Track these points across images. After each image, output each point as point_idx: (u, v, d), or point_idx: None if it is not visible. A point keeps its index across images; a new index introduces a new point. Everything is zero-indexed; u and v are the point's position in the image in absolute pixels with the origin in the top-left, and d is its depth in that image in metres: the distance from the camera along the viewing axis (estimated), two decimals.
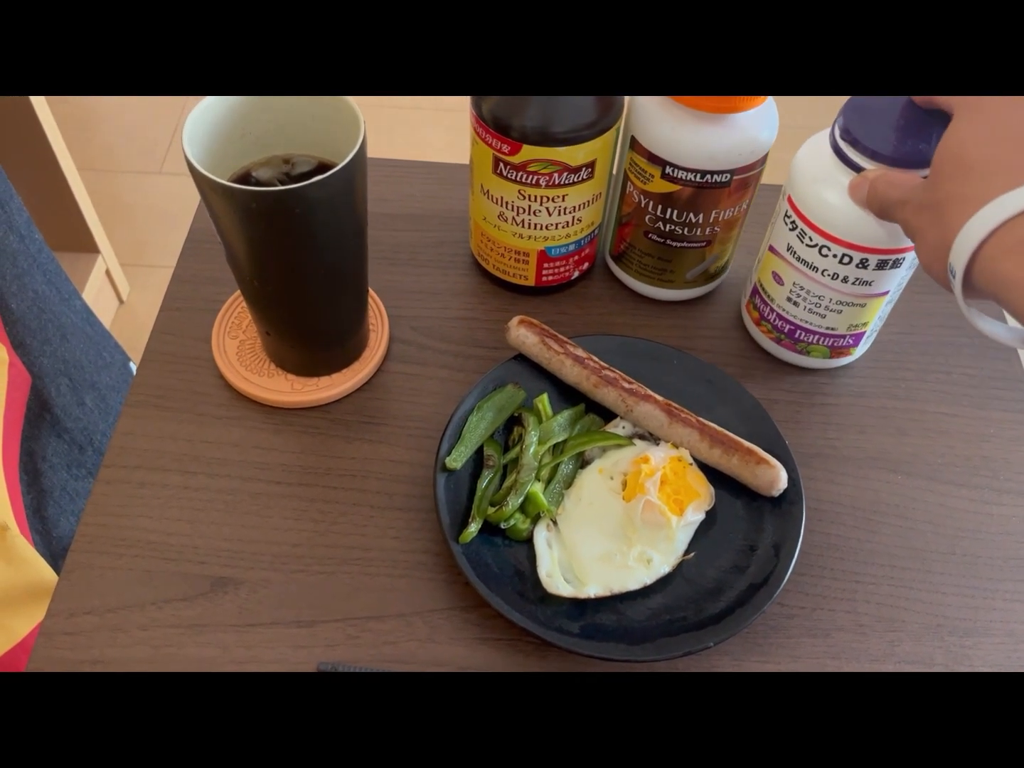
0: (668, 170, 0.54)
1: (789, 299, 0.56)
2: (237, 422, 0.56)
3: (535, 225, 0.57)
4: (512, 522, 0.51)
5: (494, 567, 0.49)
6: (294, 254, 0.49)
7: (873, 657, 0.50)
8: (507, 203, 0.56)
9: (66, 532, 0.86)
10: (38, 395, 0.86)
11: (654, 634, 0.47)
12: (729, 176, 0.54)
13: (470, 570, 0.48)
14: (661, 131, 0.53)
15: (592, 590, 0.49)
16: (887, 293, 0.54)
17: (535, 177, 0.54)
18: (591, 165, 0.54)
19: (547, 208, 0.56)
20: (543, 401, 0.55)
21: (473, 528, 0.50)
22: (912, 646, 0.50)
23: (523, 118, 0.52)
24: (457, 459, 0.52)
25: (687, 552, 0.51)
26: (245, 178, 0.50)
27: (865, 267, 0.51)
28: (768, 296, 0.58)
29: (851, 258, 0.51)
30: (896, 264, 0.51)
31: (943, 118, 0.47)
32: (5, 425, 0.77)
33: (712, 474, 0.53)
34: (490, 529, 0.51)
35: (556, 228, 0.58)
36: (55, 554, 0.82)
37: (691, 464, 0.53)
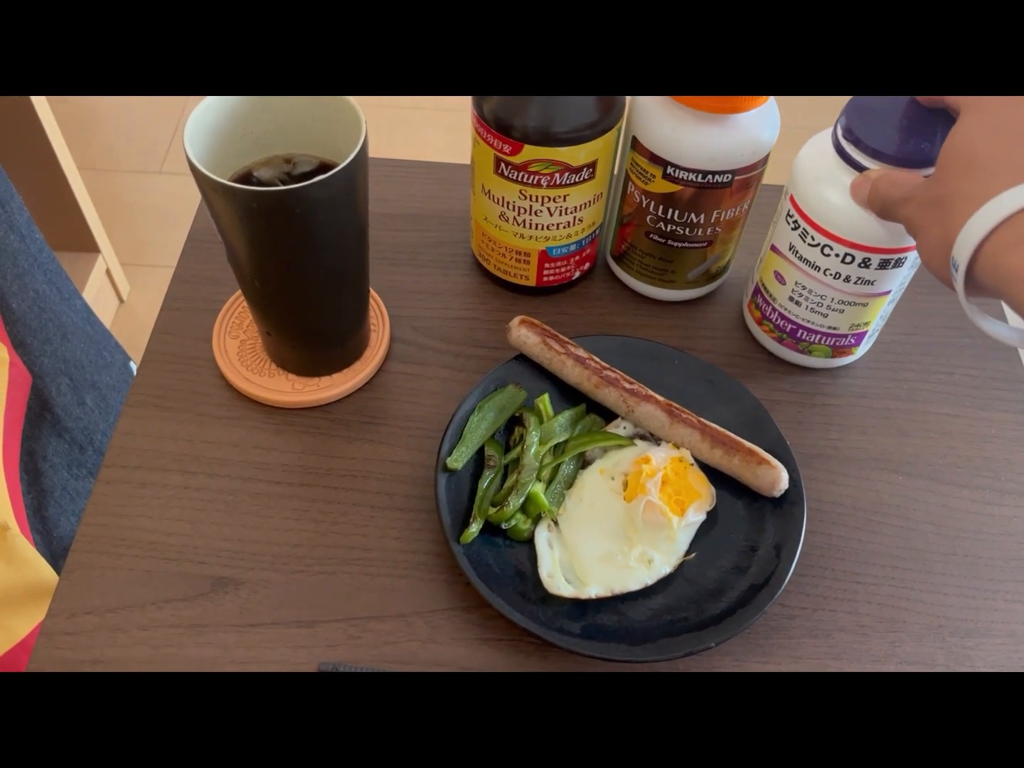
0: (669, 170, 0.54)
1: (791, 298, 0.56)
2: (238, 422, 0.56)
3: (536, 225, 0.57)
4: (513, 522, 0.51)
5: (495, 567, 0.49)
6: (295, 254, 0.49)
7: (874, 658, 0.50)
8: (508, 203, 0.56)
9: (66, 532, 0.86)
10: (39, 395, 0.86)
11: (655, 634, 0.47)
12: (730, 176, 0.54)
13: (471, 570, 0.48)
14: (662, 131, 0.53)
15: (593, 590, 0.49)
16: (889, 292, 0.54)
17: (536, 177, 0.54)
18: (592, 165, 0.54)
19: (548, 208, 0.56)
20: (544, 401, 0.55)
21: (474, 528, 0.50)
22: (913, 647, 0.50)
23: (524, 118, 0.52)
24: (458, 459, 0.52)
25: (688, 552, 0.51)
26: (246, 178, 0.50)
27: (867, 266, 0.51)
28: (770, 296, 0.58)
29: (853, 257, 0.51)
30: (898, 263, 0.51)
31: (945, 117, 0.47)
32: (6, 425, 0.77)
33: (713, 475, 0.53)
34: (491, 529, 0.51)
35: (557, 228, 0.58)
36: (55, 554, 0.82)
37: (692, 464, 0.53)
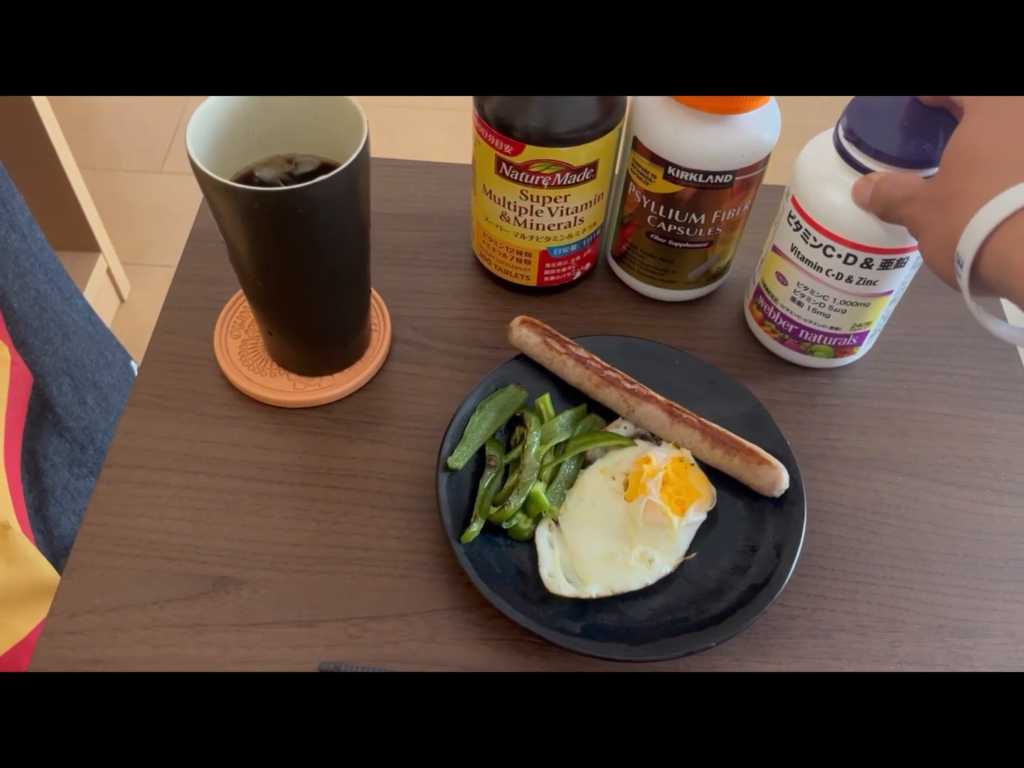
0: (670, 171, 0.54)
1: (793, 299, 0.56)
2: (239, 422, 0.56)
3: (537, 225, 0.57)
4: (514, 522, 0.51)
5: (496, 567, 0.49)
6: (296, 254, 0.49)
7: (874, 657, 0.50)
8: (509, 203, 0.56)
9: (67, 531, 0.86)
10: (40, 394, 0.86)
11: (655, 634, 0.47)
12: (731, 177, 0.54)
13: (472, 570, 0.48)
14: (663, 132, 0.53)
15: (594, 590, 0.49)
16: (891, 292, 0.54)
17: (537, 177, 0.54)
18: (593, 166, 0.54)
19: (549, 208, 0.56)
20: (545, 401, 0.55)
21: (475, 528, 0.50)
22: (913, 647, 0.50)
23: (526, 118, 0.52)
24: (459, 459, 0.52)
25: (688, 552, 0.51)
26: (248, 178, 0.50)
27: (869, 267, 0.51)
28: (772, 296, 0.58)
29: (855, 258, 0.51)
30: (900, 264, 0.52)
31: (947, 118, 0.47)
32: (7, 424, 0.77)
33: (714, 474, 0.53)
34: (492, 529, 0.51)
35: (558, 228, 0.58)
36: (56, 553, 0.82)
37: (693, 464, 0.53)
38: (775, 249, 0.56)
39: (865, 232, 0.50)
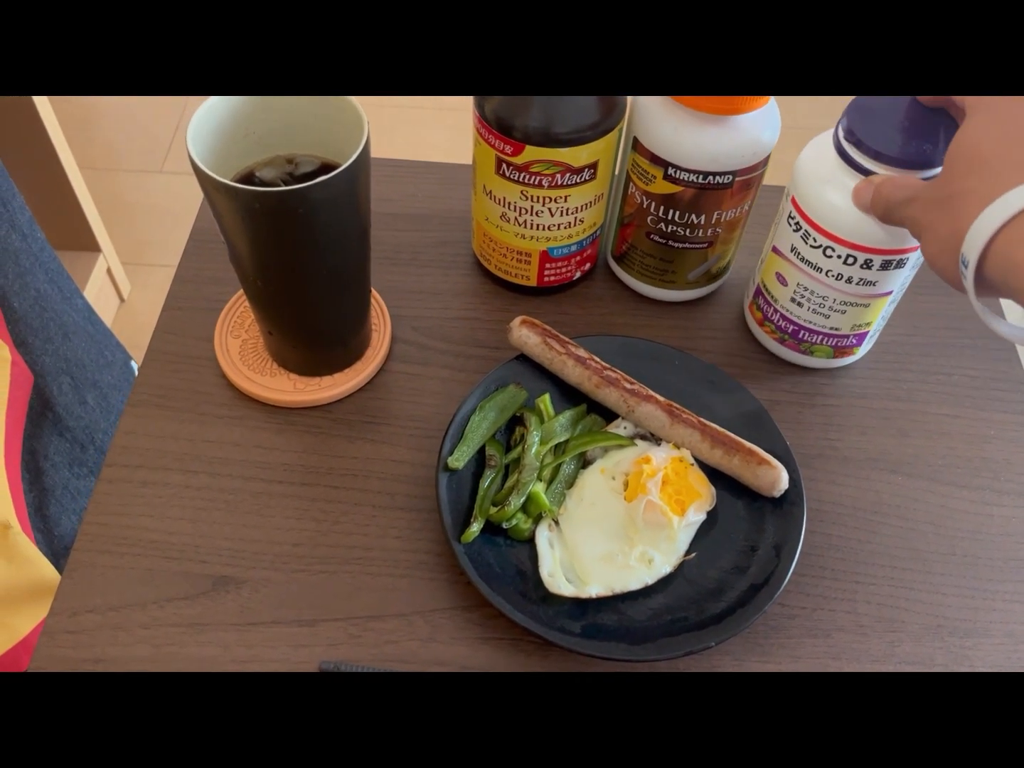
0: (670, 171, 0.54)
1: (793, 300, 0.56)
2: (239, 421, 0.56)
3: (537, 226, 0.57)
4: (514, 522, 0.51)
5: (496, 567, 0.49)
6: (297, 254, 0.49)
7: (873, 657, 0.50)
8: (509, 203, 0.57)
9: (67, 531, 0.86)
10: (40, 394, 0.86)
11: (655, 634, 0.48)
12: (731, 177, 0.54)
13: (472, 570, 0.48)
14: (663, 132, 0.53)
15: (594, 590, 0.49)
16: (891, 293, 0.54)
17: (537, 178, 0.54)
18: (593, 166, 0.54)
19: (549, 209, 0.56)
20: (545, 401, 0.55)
21: (475, 528, 0.50)
22: (912, 647, 0.50)
23: (526, 119, 0.52)
24: (459, 459, 0.52)
25: (688, 552, 0.51)
26: (249, 178, 0.50)
27: (869, 267, 0.52)
28: (772, 297, 0.58)
29: (855, 259, 0.51)
30: (900, 264, 0.52)
31: (947, 119, 0.47)
32: (7, 424, 0.77)
33: (713, 475, 0.53)
34: (492, 529, 0.51)
35: (558, 229, 0.58)
36: (57, 553, 0.82)
37: (692, 465, 0.53)
38: (775, 250, 0.56)
39: (865, 233, 0.50)
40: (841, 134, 0.49)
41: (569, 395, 0.56)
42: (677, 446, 0.53)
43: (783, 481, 0.51)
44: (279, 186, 0.49)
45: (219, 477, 0.54)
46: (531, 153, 0.53)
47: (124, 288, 1.53)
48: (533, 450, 0.52)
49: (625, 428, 0.55)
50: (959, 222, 0.39)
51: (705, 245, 0.59)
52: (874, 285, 0.53)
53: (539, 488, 0.52)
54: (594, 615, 0.49)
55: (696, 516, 0.51)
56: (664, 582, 0.50)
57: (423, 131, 1.80)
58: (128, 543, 0.51)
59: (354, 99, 0.47)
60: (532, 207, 0.56)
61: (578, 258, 0.61)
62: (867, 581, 0.52)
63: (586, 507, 0.52)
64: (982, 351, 0.62)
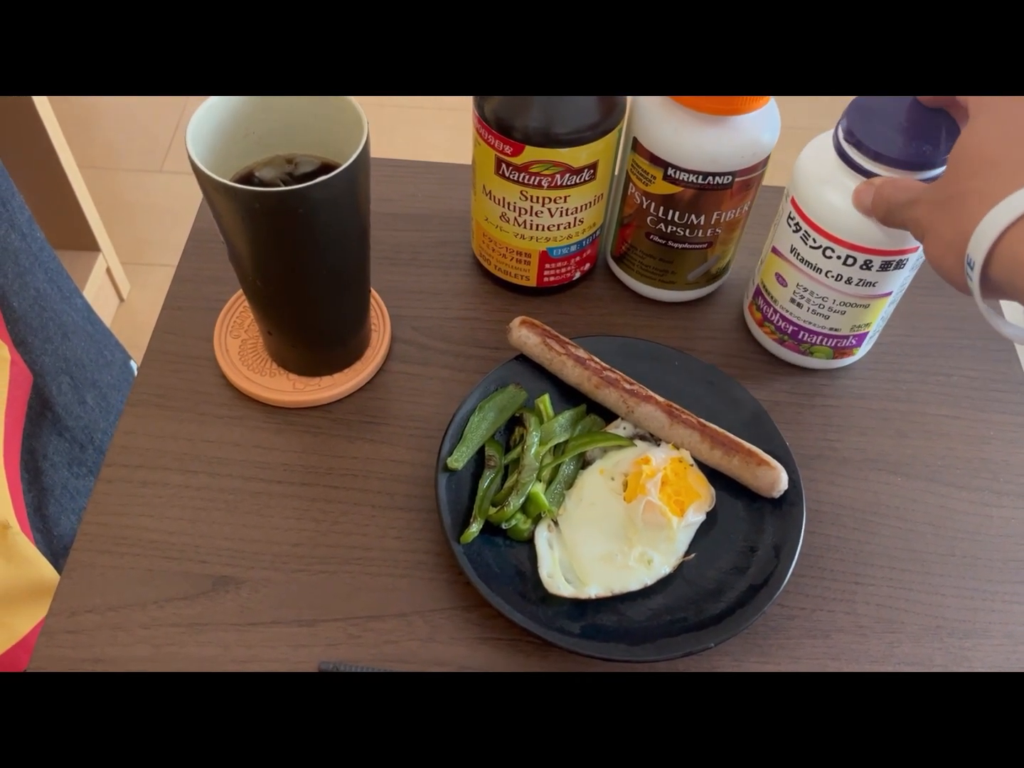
0: (670, 172, 0.54)
1: (792, 300, 0.56)
2: (239, 421, 0.56)
3: (537, 226, 0.57)
4: (513, 522, 0.51)
5: (495, 567, 0.49)
6: (296, 254, 0.49)
7: (873, 658, 0.50)
8: (509, 204, 0.57)
9: (67, 531, 0.86)
10: (39, 393, 0.86)
11: (655, 634, 0.48)
12: (731, 178, 0.54)
13: (471, 570, 0.48)
14: (663, 133, 0.53)
15: (593, 590, 0.49)
16: (890, 294, 0.54)
17: (537, 178, 0.54)
18: (593, 166, 0.54)
19: (549, 209, 0.56)
20: (544, 402, 0.55)
21: (474, 528, 0.50)
22: (911, 647, 0.50)
23: (525, 119, 0.52)
24: (459, 459, 0.52)
25: (688, 553, 0.51)
26: (248, 178, 0.50)
27: (869, 268, 0.52)
28: (771, 297, 0.58)
29: (855, 259, 0.51)
30: (900, 265, 0.52)
31: (947, 119, 0.47)
32: (7, 423, 0.77)
33: (713, 475, 0.53)
34: (491, 529, 0.51)
35: (558, 229, 0.58)
36: (56, 553, 0.82)
37: (692, 465, 0.53)
38: (774, 250, 0.56)
39: (865, 234, 0.50)
40: (841, 135, 0.49)
41: (568, 395, 0.56)
42: (676, 447, 0.53)
43: (782, 482, 0.51)
44: (279, 186, 0.49)
45: (219, 477, 0.54)
46: (531, 153, 0.53)
47: (123, 288, 1.53)
48: (532, 450, 0.52)
49: (624, 429, 0.55)
50: (964, 223, 0.39)
51: (705, 246, 0.59)
52: (874, 286, 0.53)
53: (538, 488, 0.52)
54: (593, 615, 0.49)
55: (695, 517, 0.51)
56: (663, 583, 0.50)
57: (423, 131, 1.80)
58: (128, 543, 0.51)
59: (354, 99, 0.47)
60: (532, 207, 0.56)
61: (578, 258, 0.61)
62: (866, 582, 0.52)
63: (585, 507, 0.52)
64: (981, 352, 0.62)
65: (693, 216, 0.56)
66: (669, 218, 0.57)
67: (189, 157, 0.45)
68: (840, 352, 0.59)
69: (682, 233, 0.58)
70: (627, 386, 0.54)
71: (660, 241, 0.59)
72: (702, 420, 0.53)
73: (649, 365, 0.57)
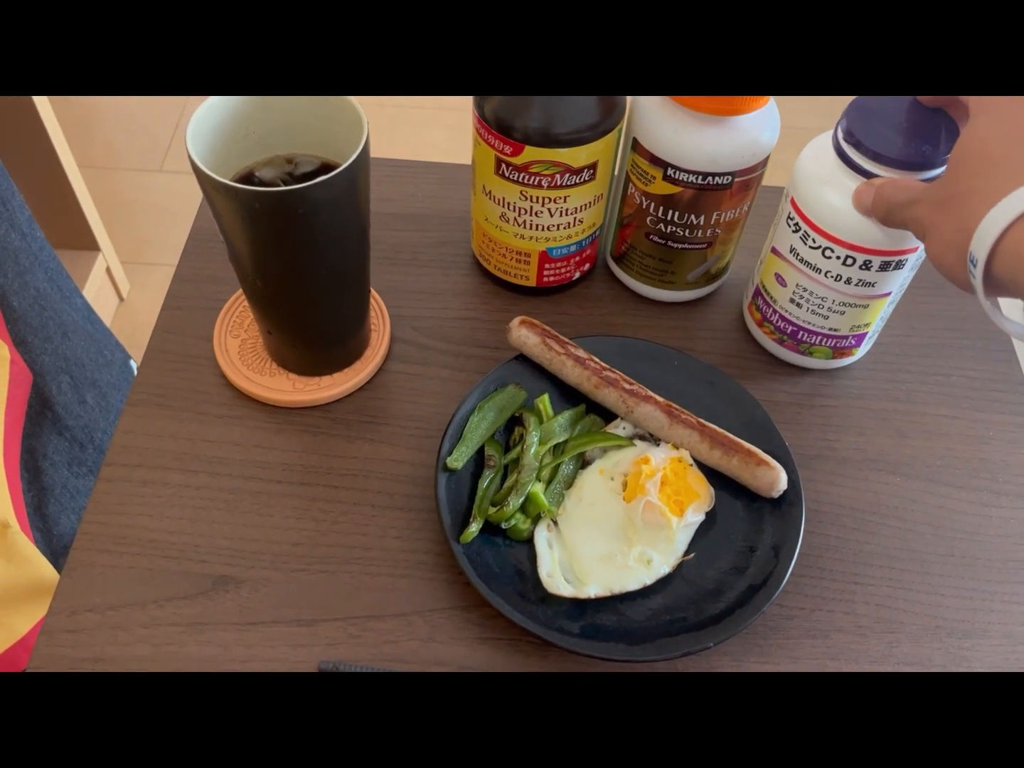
0: (670, 172, 0.54)
1: (792, 300, 0.56)
2: (238, 421, 0.56)
3: (536, 226, 0.57)
4: (513, 522, 0.51)
5: (495, 567, 0.49)
6: (296, 254, 0.49)
7: (872, 658, 0.50)
8: (509, 204, 0.57)
9: (66, 530, 0.86)
10: (39, 393, 0.86)
11: (654, 634, 0.48)
12: (730, 178, 0.54)
13: (471, 570, 0.48)
14: (663, 133, 0.53)
15: (592, 590, 0.49)
16: (890, 294, 0.54)
17: (537, 178, 0.54)
18: (593, 167, 0.54)
19: (549, 209, 0.56)
20: (544, 401, 0.55)
21: (474, 528, 0.50)
22: (911, 647, 0.50)
23: (525, 119, 0.52)
24: (458, 459, 0.52)
25: (687, 553, 0.51)
26: (248, 178, 0.50)
27: (868, 268, 0.52)
28: (771, 298, 0.58)
29: (855, 260, 0.51)
30: (899, 265, 0.52)
31: (947, 119, 0.48)
32: (6, 422, 0.77)
33: (712, 475, 0.53)
34: (491, 529, 0.51)
35: (557, 229, 0.58)
36: (56, 552, 0.82)
37: (691, 465, 0.53)
38: (774, 251, 0.56)
39: (864, 234, 0.50)
40: (840, 135, 0.49)
41: (568, 395, 0.56)
42: (676, 446, 0.53)
43: (782, 482, 0.51)
44: (279, 186, 0.49)
45: (218, 477, 0.54)
46: (530, 153, 0.53)
47: (123, 287, 1.53)
48: (532, 450, 0.52)
49: (624, 428, 0.55)
50: (966, 221, 0.39)
51: (704, 246, 0.59)
52: (873, 286, 0.53)
53: (538, 488, 0.52)
54: (593, 615, 0.49)
55: (695, 517, 0.51)
56: (663, 583, 0.50)
57: (423, 131, 1.80)
58: (127, 542, 0.51)
59: (354, 99, 0.47)
60: (531, 207, 0.56)
61: (577, 258, 0.61)
62: (865, 582, 0.52)
63: (585, 507, 0.52)
64: (981, 352, 0.62)
65: (693, 216, 0.56)
66: (669, 218, 0.57)
67: (189, 157, 0.45)
68: (839, 352, 0.59)
69: (682, 233, 0.58)
70: (627, 386, 0.54)
71: (660, 241, 0.59)
72: (701, 420, 0.53)
73: (649, 365, 0.57)
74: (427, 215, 0.68)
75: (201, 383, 0.58)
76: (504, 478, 0.53)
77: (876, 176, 0.48)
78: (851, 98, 0.49)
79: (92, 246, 1.43)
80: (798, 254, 0.54)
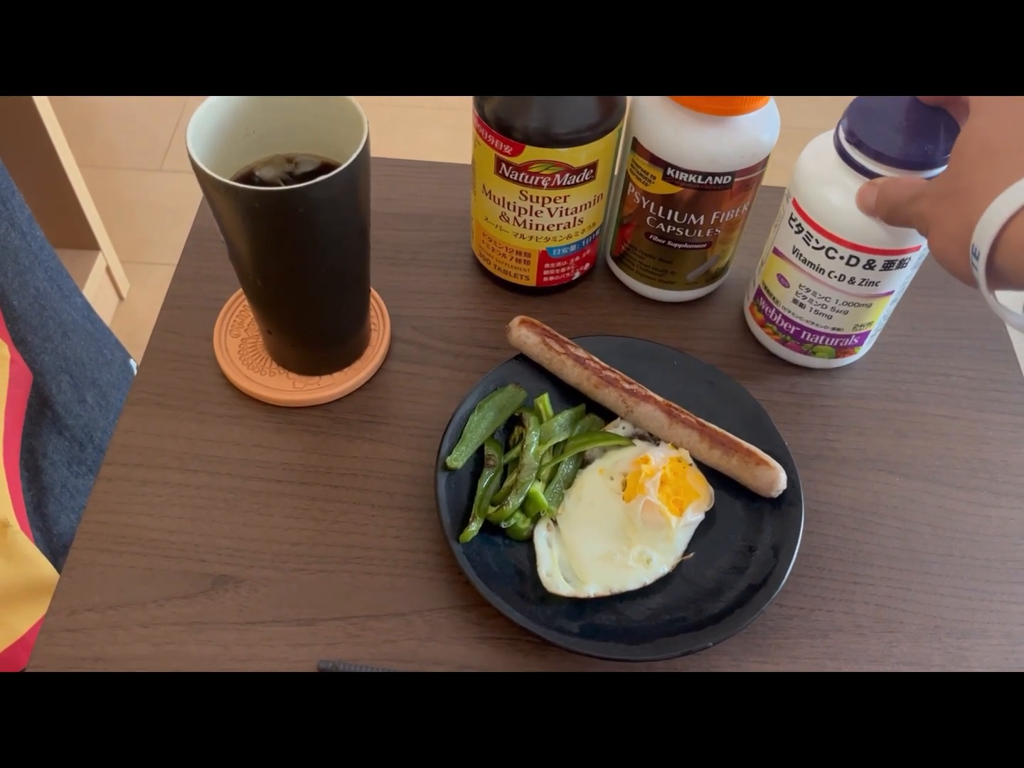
0: (670, 172, 0.54)
1: (795, 301, 0.56)
2: (238, 420, 0.56)
3: (536, 226, 0.57)
4: (512, 521, 0.51)
5: (494, 566, 0.49)
6: (296, 253, 0.49)
7: (871, 658, 0.50)
8: (509, 203, 0.57)
9: (66, 529, 0.86)
10: (39, 392, 0.86)
11: (653, 634, 0.48)
12: (730, 178, 0.54)
13: (470, 569, 0.48)
14: (663, 133, 0.53)
15: (592, 590, 0.49)
16: (892, 293, 0.54)
17: (537, 178, 0.54)
18: (593, 166, 0.54)
19: (549, 209, 0.56)
20: (544, 401, 0.55)
21: (474, 527, 0.50)
22: (910, 647, 0.50)
23: (525, 119, 0.52)
24: (458, 458, 0.52)
25: (686, 552, 0.51)
26: (248, 177, 0.50)
27: (872, 268, 0.52)
28: (773, 298, 0.58)
29: (858, 259, 0.51)
30: (902, 264, 0.52)
31: (948, 119, 0.48)
32: (6, 422, 0.77)
33: (712, 475, 0.53)
34: (490, 528, 0.51)
35: (557, 229, 0.58)
36: (55, 551, 0.82)
37: (691, 465, 0.53)
38: (776, 251, 0.56)
39: (867, 233, 0.50)
40: (842, 135, 0.49)
41: (568, 395, 0.56)
42: (676, 446, 0.53)
43: (781, 481, 0.51)
44: (279, 185, 0.49)
45: (218, 476, 0.54)
46: (530, 153, 0.53)
47: (123, 286, 1.53)
48: (532, 450, 0.52)
49: (624, 428, 0.55)
50: (969, 214, 0.40)
51: (704, 245, 0.59)
52: (876, 285, 0.53)
53: (537, 488, 0.52)
54: (592, 615, 0.49)
55: (694, 516, 0.51)
56: (662, 582, 0.50)
57: (423, 131, 1.80)
58: (127, 542, 0.51)
59: (354, 99, 0.47)
60: (531, 207, 0.56)
61: (577, 258, 0.61)
62: (865, 582, 0.52)
63: (584, 507, 0.52)
64: (980, 352, 0.62)
65: (693, 216, 0.56)
66: (669, 218, 0.57)
67: (189, 156, 0.45)
68: (842, 351, 0.59)
69: (682, 233, 0.58)
70: (626, 386, 0.54)
71: (660, 241, 0.59)
72: (701, 420, 0.53)
73: (648, 365, 0.57)
74: (427, 215, 0.68)
75: (201, 382, 0.58)
76: (504, 477, 0.53)
77: (878, 176, 0.48)
78: (851, 98, 0.49)
79: (92, 245, 1.43)
80: (801, 255, 0.54)
